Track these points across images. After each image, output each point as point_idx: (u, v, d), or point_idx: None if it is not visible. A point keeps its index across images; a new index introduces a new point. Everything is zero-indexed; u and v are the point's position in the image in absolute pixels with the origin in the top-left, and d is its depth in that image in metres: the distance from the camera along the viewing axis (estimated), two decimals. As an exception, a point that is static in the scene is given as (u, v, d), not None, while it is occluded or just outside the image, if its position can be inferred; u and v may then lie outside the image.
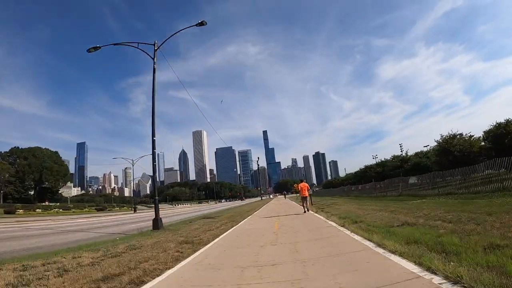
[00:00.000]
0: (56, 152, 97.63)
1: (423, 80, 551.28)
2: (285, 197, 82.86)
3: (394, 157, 40.47)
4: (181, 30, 15.82)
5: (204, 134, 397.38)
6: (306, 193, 17.07)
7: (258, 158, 63.24)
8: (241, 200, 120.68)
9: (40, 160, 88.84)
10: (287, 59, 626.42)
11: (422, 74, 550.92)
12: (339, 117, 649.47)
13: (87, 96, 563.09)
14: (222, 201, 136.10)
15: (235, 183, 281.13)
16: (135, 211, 49.08)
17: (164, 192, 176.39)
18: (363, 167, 54.11)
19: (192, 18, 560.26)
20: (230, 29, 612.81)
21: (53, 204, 79.77)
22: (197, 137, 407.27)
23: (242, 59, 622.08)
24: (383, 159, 49.09)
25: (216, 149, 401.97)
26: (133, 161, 51.60)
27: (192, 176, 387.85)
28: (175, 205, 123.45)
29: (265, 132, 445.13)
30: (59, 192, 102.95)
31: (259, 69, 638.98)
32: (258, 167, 63.77)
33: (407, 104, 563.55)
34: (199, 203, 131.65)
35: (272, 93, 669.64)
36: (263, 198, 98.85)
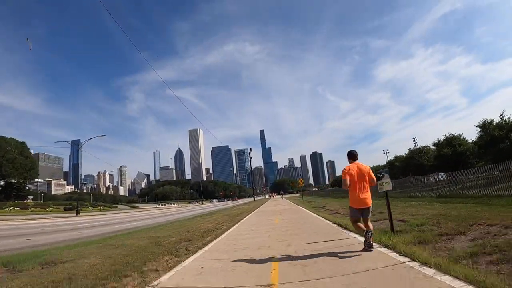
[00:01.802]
0: (23, 143, 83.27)
1: (421, 81, 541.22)
2: (282, 197, 71.65)
3: (484, 125, 22.02)
4: None
5: (201, 132, 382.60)
6: (367, 195, 4.69)
7: (251, 149, 49.86)
8: (233, 200, 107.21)
9: (2, 151, 74.80)
10: (285, 59, 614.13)
11: (419, 75, 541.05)
12: (336, 117, 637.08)
13: (83, 93, 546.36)
14: (214, 201, 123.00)
15: (232, 182, 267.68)
16: (77, 213, 35.99)
17: (153, 190, 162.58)
18: (404, 154, 37.63)
19: (189, 16, 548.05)
20: (228, 28, 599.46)
21: (9, 202, 66.09)
22: (193, 136, 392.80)
23: (240, 58, 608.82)
24: (450, 134, 28.03)
25: (213, 148, 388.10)
26: (79, 144, 38.20)
27: (189, 175, 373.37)
28: (162, 204, 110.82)
29: (262, 132, 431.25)
30: (27, 188, 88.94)
31: (257, 68, 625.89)
32: (250, 160, 50.43)
33: (404, 105, 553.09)
34: (189, 202, 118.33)
35: (269, 92, 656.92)
36: (257, 198, 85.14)
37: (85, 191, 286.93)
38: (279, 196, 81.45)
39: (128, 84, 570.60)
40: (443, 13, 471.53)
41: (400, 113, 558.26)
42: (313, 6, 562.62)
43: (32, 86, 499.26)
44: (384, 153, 69.75)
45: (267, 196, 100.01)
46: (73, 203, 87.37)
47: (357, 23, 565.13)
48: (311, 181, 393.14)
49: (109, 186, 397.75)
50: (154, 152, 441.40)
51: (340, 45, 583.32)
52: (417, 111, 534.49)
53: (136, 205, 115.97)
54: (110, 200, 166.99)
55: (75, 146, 38.56)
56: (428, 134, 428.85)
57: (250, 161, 51.00)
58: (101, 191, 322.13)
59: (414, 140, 71.74)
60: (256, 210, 20.44)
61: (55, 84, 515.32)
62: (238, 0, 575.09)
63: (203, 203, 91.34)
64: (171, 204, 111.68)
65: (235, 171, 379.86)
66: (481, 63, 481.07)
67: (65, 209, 65.72)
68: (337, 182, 67.44)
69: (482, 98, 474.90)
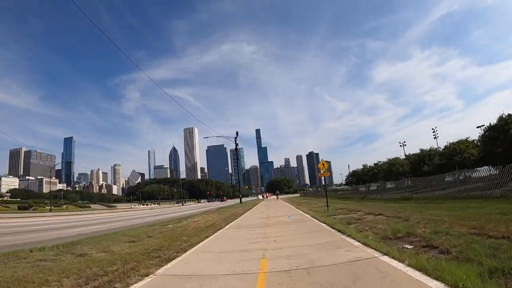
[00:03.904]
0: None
1: (417, 83, 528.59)
2: (277, 197, 61.40)
3: None
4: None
5: (196, 131, 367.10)
6: None
7: (237, 132, 36.47)
8: (221, 201, 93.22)
9: None
10: (281, 59, 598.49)
11: (416, 77, 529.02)
12: (332, 118, 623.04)
13: (79, 92, 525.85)
14: (202, 201, 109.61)
15: (227, 182, 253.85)
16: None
17: (139, 189, 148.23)
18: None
19: (187, 16, 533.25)
20: (225, 27, 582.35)
21: None
22: (188, 134, 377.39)
23: (237, 58, 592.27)
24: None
25: (208, 147, 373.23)
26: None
27: (183, 174, 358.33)
28: (145, 204, 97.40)
29: (258, 131, 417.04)
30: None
31: (254, 68, 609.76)
32: (237, 146, 36.93)
33: (400, 107, 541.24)
34: (177, 202, 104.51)
35: (266, 92, 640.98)
36: (251, 198, 71.47)
37: (77, 189, 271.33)
38: (274, 197, 68.14)
39: (124, 82, 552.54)
40: (440, 15, 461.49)
41: (396, 115, 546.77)
42: (310, 6, 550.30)
43: (28, 84, 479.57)
44: (400, 145, 58.58)
45: (260, 197, 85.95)
46: (29, 201, 73.71)
47: (354, 24, 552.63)
48: (307, 181, 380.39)
49: (102, 184, 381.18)
50: (149, 151, 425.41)
51: (337, 46, 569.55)
52: (413, 112, 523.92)
53: (115, 205, 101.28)
54: (97, 199, 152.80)
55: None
56: (423, 136, 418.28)
57: (237, 148, 37.41)
58: (94, 189, 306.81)
59: (433, 130, 59.44)
60: (205, 241, 6.44)
61: (51, 82, 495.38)
62: (235, 0, 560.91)
63: (182, 204, 77.07)
64: (154, 204, 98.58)
65: (230, 171, 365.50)
66: (477, 66, 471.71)
67: (19, 208, 58.04)
68: (361, 175, 50.63)
69: (478, 100, 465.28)
